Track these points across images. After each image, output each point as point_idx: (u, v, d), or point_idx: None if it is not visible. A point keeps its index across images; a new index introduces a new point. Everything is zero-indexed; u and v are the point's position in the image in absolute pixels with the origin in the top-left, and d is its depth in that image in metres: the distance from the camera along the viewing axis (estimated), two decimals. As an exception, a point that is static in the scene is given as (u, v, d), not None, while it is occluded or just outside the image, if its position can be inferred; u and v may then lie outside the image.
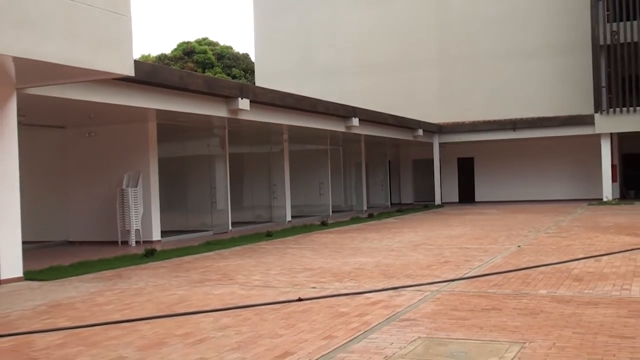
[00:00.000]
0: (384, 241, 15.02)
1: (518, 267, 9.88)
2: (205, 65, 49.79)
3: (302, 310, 7.26)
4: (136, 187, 16.25)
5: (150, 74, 13.40)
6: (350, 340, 5.83)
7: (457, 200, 33.51)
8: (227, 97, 16.29)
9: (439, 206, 30.69)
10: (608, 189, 28.38)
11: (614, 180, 28.97)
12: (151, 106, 13.98)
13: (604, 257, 10.73)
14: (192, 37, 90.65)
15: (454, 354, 5.25)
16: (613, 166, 29.07)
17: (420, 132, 29.21)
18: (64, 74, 9.80)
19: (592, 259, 10.55)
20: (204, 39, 52.63)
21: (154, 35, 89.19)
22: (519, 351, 5.27)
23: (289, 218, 23.23)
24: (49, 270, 11.43)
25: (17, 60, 8.83)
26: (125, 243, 16.32)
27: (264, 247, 14.74)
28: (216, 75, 43.80)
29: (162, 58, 51.26)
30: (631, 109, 28.25)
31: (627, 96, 28.89)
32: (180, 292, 8.82)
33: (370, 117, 24.69)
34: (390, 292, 8.19)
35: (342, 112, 22.68)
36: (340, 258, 12.07)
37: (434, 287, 8.45)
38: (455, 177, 33.80)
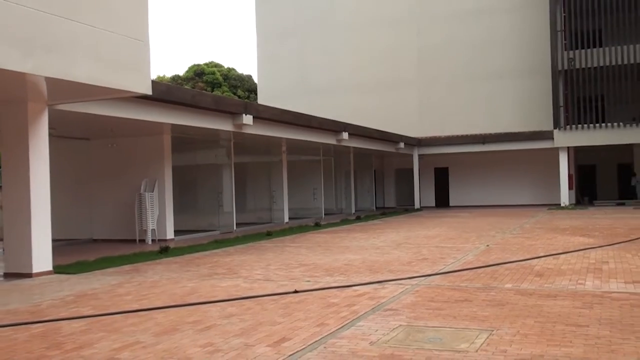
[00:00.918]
0: (369, 240, 15.01)
1: (487, 264, 9.89)
2: (214, 85, 49.72)
3: (298, 301, 7.26)
4: (152, 191, 16.22)
5: (166, 93, 13.39)
6: (340, 328, 5.83)
7: (434, 204, 33.51)
8: (233, 113, 16.30)
9: (418, 210, 30.69)
10: (565, 195, 28.49)
11: (570, 187, 29.08)
12: (166, 121, 13.97)
13: (562, 255, 10.77)
14: (200, 59, 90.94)
15: (430, 340, 5.26)
16: (570, 175, 29.19)
17: (402, 144, 29.27)
18: (90, 92, 9.78)
19: (552, 257, 10.59)
20: (211, 62, 52.55)
21: (168, 58, 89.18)
22: (487, 337, 5.29)
23: (286, 219, 23.19)
24: (76, 264, 11.41)
25: (48, 80, 8.81)
26: (142, 241, 16.27)
27: (265, 245, 14.71)
28: (223, 94, 43.72)
29: (175, 79, 51.15)
30: (585, 126, 28.41)
31: (582, 115, 29.26)
32: (191, 284, 8.80)
33: (358, 132, 24.71)
34: (375, 286, 8.19)
35: (334, 127, 22.70)
36: (331, 255, 12.05)
37: (413, 281, 8.46)
38: (432, 184, 33.80)
